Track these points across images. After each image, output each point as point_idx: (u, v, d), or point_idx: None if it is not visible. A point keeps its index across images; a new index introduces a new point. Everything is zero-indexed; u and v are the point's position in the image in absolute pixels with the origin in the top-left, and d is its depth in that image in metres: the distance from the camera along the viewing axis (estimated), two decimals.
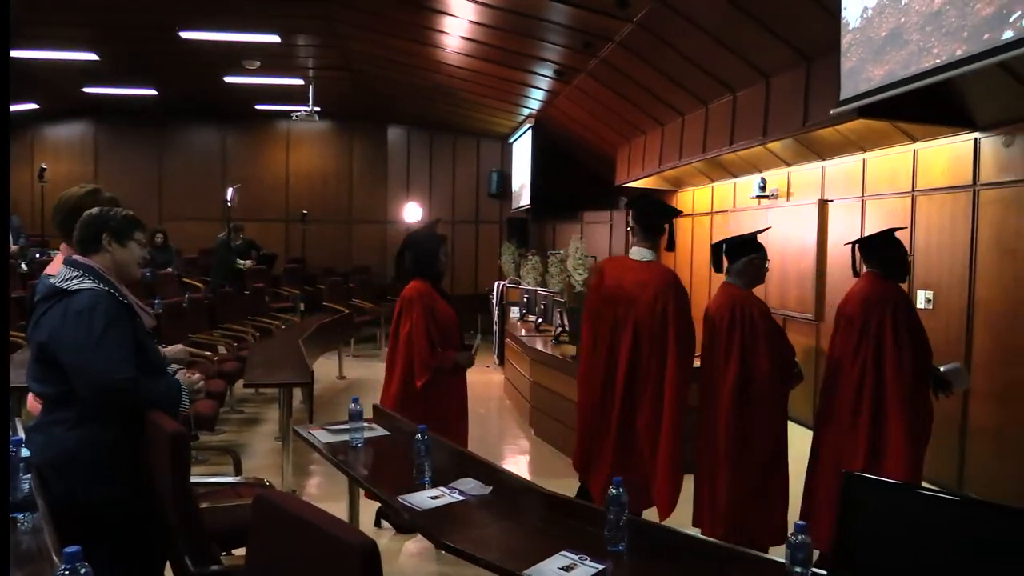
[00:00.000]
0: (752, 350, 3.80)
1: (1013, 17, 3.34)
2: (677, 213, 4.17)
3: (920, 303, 5.68)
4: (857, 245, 4.09)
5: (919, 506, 1.81)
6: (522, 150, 12.81)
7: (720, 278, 4.14)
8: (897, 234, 4.01)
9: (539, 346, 6.94)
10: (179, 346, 3.30)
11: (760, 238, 4.09)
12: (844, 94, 4.75)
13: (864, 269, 4.01)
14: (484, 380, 9.56)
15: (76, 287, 2.48)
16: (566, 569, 2.14)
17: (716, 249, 4.12)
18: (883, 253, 3.94)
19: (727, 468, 3.75)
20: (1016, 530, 1.66)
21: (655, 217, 4.02)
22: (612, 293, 3.92)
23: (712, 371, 3.87)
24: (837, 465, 3.69)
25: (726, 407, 3.76)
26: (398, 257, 4.38)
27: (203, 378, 2.87)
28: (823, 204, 7.07)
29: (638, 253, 3.97)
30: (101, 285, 2.52)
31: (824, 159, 7.00)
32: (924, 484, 3.72)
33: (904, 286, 5.87)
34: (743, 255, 4.01)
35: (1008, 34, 3.37)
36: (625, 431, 3.84)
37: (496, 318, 10.69)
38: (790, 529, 2.01)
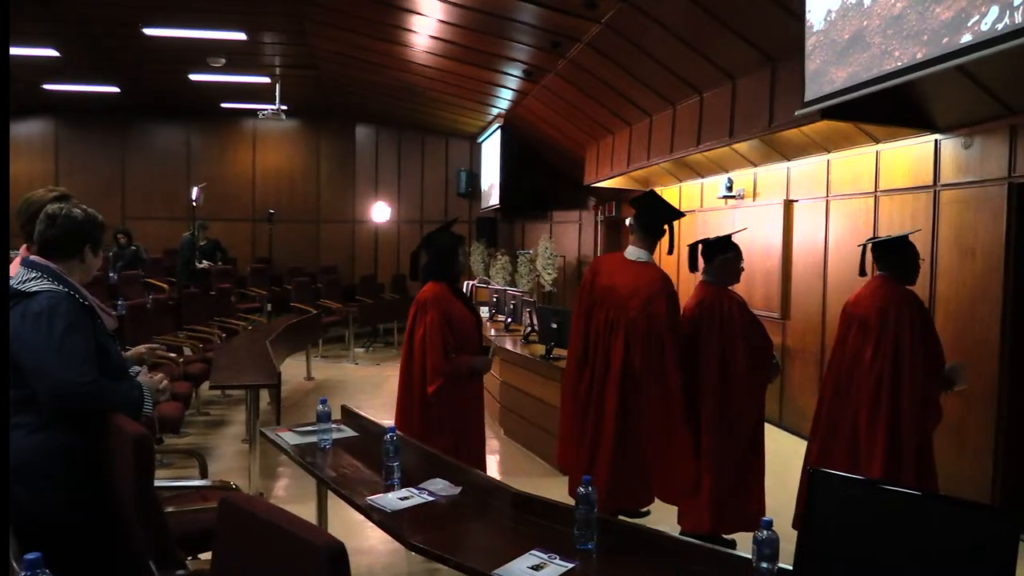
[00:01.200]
0: (731, 345, 3.85)
1: (971, 21, 3.41)
2: (679, 215, 4.05)
3: None
4: (870, 246, 4.03)
5: (883, 501, 1.84)
6: (491, 150, 12.81)
7: (692, 278, 4.18)
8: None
9: (509, 346, 6.93)
10: (141, 347, 3.17)
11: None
12: (808, 96, 4.82)
13: (875, 271, 3.99)
14: None
15: (34, 289, 2.43)
16: (536, 568, 2.14)
17: (692, 249, 4.14)
18: (899, 256, 3.89)
19: (709, 464, 3.78)
20: (975, 524, 1.69)
21: (656, 218, 3.94)
22: (604, 293, 3.86)
23: (691, 366, 3.89)
24: (851, 471, 3.72)
25: (705, 402, 3.79)
26: (413, 258, 4.21)
27: (166, 379, 2.82)
28: (788, 204, 7.17)
29: (633, 253, 3.91)
30: (60, 286, 2.47)
31: (789, 160, 7.09)
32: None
33: None
34: (718, 254, 4.05)
35: (966, 38, 3.44)
36: (624, 437, 3.77)
37: None
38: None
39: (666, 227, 3.96)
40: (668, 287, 3.82)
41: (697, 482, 3.78)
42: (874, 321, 3.74)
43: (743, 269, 4.18)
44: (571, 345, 4.04)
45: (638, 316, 3.73)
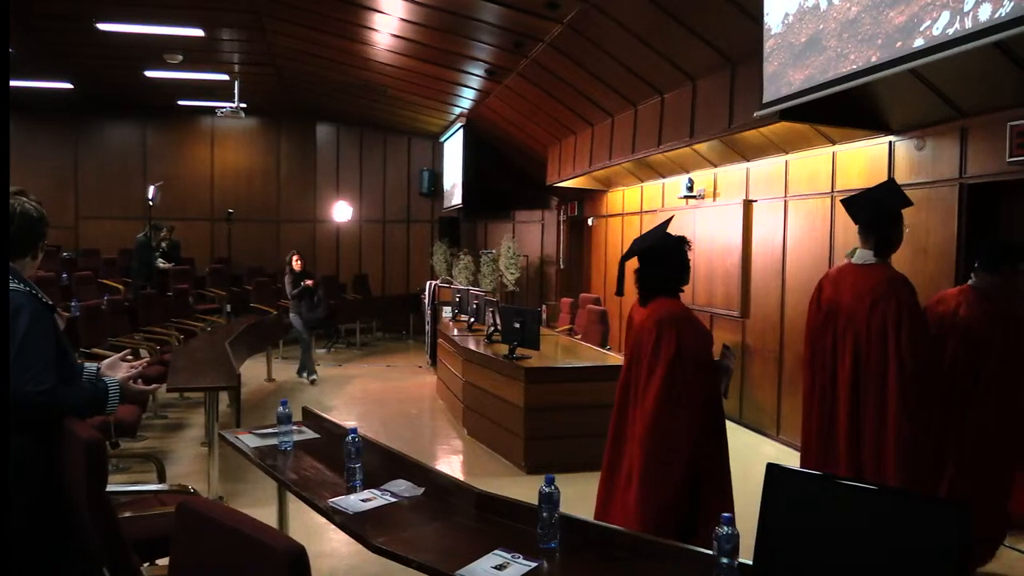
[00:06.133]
0: None
1: (923, 26, 3.50)
2: (902, 204, 3.51)
3: None
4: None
5: (838, 495, 1.87)
6: (453, 149, 12.78)
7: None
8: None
9: (471, 346, 6.93)
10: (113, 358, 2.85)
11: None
12: (767, 97, 4.90)
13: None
14: (416, 381, 9.51)
15: None
16: (499, 568, 2.14)
17: (989, 247, 3.68)
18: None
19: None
20: (928, 517, 1.73)
21: (875, 212, 3.46)
22: (829, 307, 3.47)
23: (993, 389, 3.48)
24: None
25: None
26: (620, 270, 3.43)
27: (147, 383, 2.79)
28: (748, 204, 7.26)
29: (860, 256, 3.50)
30: (23, 286, 2.40)
31: (748, 160, 7.19)
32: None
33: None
34: (1006, 263, 3.52)
35: (919, 42, 3.52)
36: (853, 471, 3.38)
37: (428, 318, 10.64)
38: None
39: (893, 216, 3.47)
40: (899, 289, 3.32)
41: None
42: None
43: None
44: (804, 375, 3.69)
45: (865, 326, 3.33)
